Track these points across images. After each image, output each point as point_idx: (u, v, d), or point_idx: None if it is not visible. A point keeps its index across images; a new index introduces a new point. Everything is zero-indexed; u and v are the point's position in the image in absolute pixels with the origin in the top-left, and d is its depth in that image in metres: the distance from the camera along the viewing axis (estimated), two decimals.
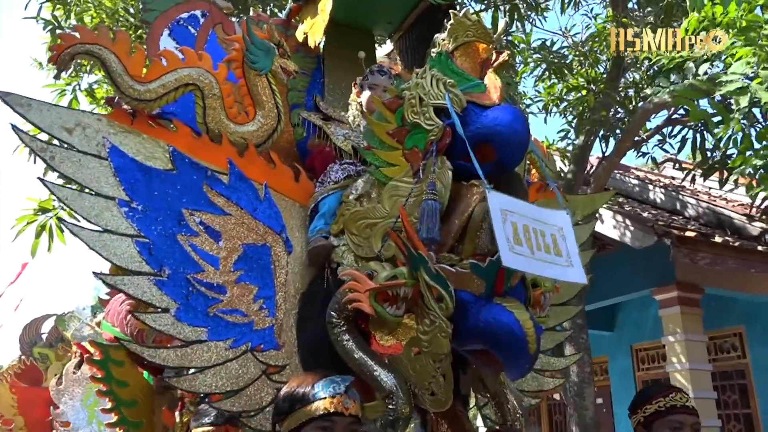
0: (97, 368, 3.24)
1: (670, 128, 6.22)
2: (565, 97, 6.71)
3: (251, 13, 2.88)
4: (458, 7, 2.94)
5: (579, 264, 1.70)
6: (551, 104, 6.86)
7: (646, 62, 5.55)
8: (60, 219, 4.96)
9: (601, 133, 6.32)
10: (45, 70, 6.68)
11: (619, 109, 6.31)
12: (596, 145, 6.50)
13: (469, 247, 1.81)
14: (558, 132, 8.30)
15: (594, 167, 6.80)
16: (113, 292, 3.09)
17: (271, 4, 6.00)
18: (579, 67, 6.66)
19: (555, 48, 6.54)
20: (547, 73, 6.47)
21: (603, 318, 7.99)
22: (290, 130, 2.54)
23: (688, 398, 2.06)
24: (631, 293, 6.80)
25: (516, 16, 6.08)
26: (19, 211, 5.32)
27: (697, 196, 7.55)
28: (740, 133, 3.77)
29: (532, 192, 2.64)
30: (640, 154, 6.72)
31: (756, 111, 3.88)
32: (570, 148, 6.74)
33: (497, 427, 2.09)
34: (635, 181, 8.22)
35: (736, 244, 6.05)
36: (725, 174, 5.52)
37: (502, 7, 6.24)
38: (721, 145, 4.43)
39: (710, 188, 7.85)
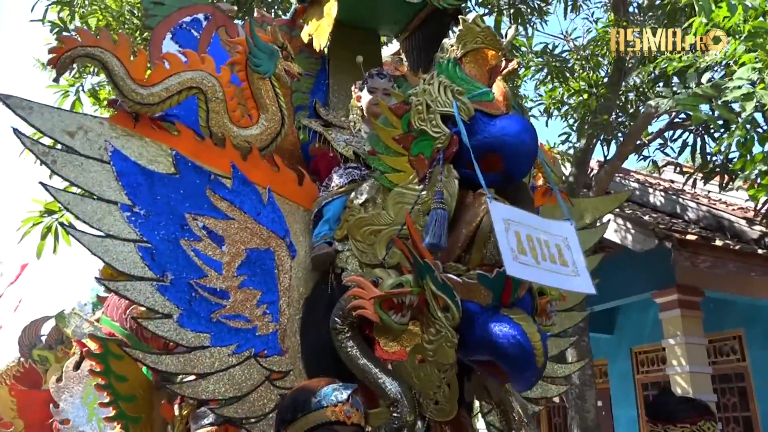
0: (97, 362, 3.22)
1: (671, 132, 6.22)
2: (566, 100, 6.70)
3: (255, 14, 2.84)
4: (464, 12, 2.92)
5: (586, 273, 1.68)
6: (552, 108, 6.84)
7: (649, 66, 5.54)
8: (62, 224, 4.92)
9: (603, 136, 6.31)
10: (48, 72, 6.64)
11: (620, 113, 6.30)
12: (597, 148, 6.52)
13: (476, 257, 1.79)
14: (559, 135, 8.28)
15: (595, 171, 6.79)
16: None
17: (275, 7, 5.97)
18: (580, 71, 6.66)
19: (556, 52, 6.54)
20: (548, 76, 6.47)
21: (603, 321, 7.96)
22: (294, 133, 2.52)
23: (716, 428, 1.95)
24: (631, 296, 6.78)
25: (519, 20, 6.08)
26: (25, 213, 5.27)
27: (697, 199, 7.54)
28: (741, 137, 3.75)
29: (538, 196, 2.62)
30: (642, 157, 6.73)
31: (758, 116, 3.87)
32: (571, 151, 6.74)
33: None
34: (635, 185, 8.21)
35: (737, 247, 6.04)
36: (726, 178, 5.52)
37: (505, 11, 6.23)
38: (722, 149, 4.42)
39: (710, 192, 7.84)
